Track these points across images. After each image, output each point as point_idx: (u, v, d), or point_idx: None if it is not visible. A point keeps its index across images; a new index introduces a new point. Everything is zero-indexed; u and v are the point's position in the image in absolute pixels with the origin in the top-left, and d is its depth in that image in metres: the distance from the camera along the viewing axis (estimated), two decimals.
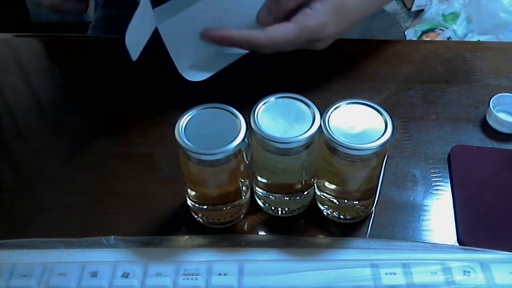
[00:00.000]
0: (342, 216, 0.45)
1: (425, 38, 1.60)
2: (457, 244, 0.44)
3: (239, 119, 0.40)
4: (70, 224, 0.46)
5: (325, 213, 0.46)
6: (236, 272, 0.41)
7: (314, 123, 0.40)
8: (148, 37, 0.51)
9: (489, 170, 0.49)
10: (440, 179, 0.49)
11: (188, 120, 0.40)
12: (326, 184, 0.43)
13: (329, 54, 0.63)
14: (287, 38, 0.51)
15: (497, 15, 1.53)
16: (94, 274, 0.41)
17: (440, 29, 1.60)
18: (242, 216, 0.46)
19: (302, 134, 0.39)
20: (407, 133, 0.53)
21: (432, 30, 1.61)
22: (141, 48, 0.50)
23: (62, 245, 0.43)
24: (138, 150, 0.52)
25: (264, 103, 0.41)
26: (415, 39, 1.59)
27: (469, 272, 0.40)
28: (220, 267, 0.41)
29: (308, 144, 0.40)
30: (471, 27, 1.58)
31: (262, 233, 0.45)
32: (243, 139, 0.39)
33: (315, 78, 0.59)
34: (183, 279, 0.40)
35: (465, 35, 1.58)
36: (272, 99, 0.42)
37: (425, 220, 0.46)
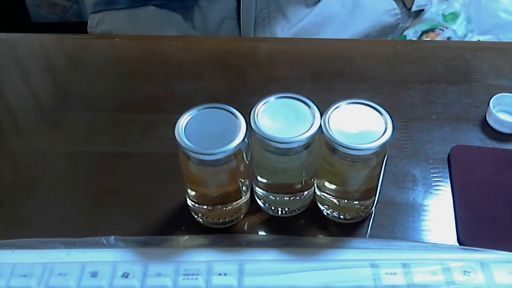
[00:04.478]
0: (342, 216, 0.45)
1: (425, 38, 1.59)
2: (457, 244, 0.44)
3: (239, 119, 0.40)
4: (70, 224, 0.46)
5: (325, 213, 0.46)
6: (236, 272, 0.41)
7: (314, 123, 0.40)
8: None
9: (489, 170, 0.49)
10: (440, 179, 0.49)
11: (188, 120, 0.40)
12: (326, 184, 0.43)
13: (329, 54, 0.63)
14: None
15: (497, 15, 1.53)
16: (94, 274, 0.41)
17: (440, 29, 1.60)
18: (242, 216, 0.46)
19: (302, 134, 0.39)
20: (407, 133, 0.53)
21: (432, 30, 1.61)
22: None
23: (62, 245, 0.43)
24: (138, 150, 0.52)
25: (264, 103, 0.41)
26: (415, 39, 1.59)
27: (469, 272, 0.40)
28: (220, 267, 0.41)
29: (308, 144, 0.40)
30: (471, 27, 1.58)
31: (262, 233, 0.45)
32: (243, 139, 0.39)
33: (315, 78, 0.59)
34: (183, 279, 0.40)
35: (465, 35, 1.58)
36: (272, 99, 0.42)
37: (425, 220, 0.46)
